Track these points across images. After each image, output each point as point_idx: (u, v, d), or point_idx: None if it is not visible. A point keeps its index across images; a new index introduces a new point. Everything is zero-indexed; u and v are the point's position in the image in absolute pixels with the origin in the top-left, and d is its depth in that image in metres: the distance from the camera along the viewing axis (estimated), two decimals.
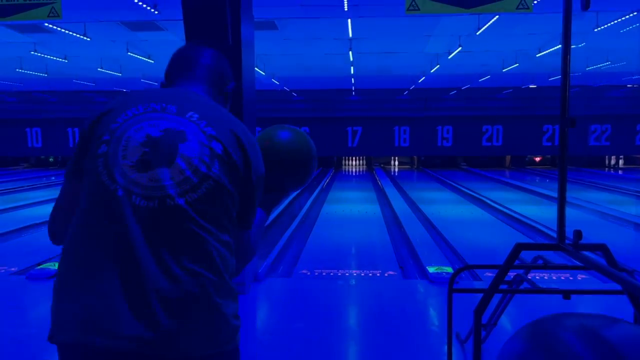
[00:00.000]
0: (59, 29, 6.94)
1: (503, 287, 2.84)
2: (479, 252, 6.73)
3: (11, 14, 4.97)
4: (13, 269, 5.80)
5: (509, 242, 2.32)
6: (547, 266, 2.68)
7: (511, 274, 2.77)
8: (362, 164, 21.74)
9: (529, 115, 18.11)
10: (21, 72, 12.59)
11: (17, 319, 4.08)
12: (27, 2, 4.88)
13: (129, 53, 9.44)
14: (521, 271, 2.87)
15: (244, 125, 1.37)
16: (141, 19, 6.12)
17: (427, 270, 5.56)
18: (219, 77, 1.51)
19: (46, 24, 6.45)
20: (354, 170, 20.93)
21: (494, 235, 8.14)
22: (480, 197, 11.77)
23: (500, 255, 2.24)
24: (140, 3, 5.45)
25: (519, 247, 2.26)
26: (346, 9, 5.73)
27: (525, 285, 2.87)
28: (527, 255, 2.57)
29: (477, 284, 5.00)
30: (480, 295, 2.34)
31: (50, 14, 4.75)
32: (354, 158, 21.76)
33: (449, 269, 5.58)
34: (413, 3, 4.37)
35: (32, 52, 9.79)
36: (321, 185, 14.86)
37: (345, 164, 21.66)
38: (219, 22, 4.25)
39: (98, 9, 5.51)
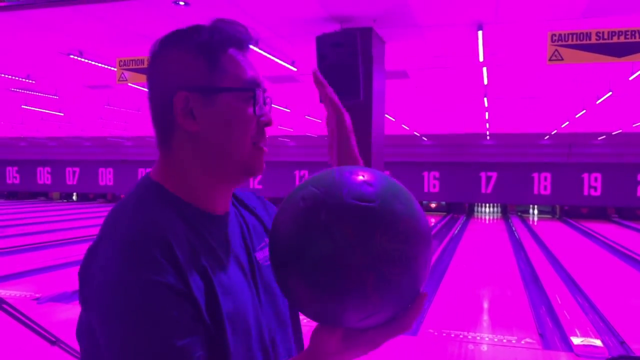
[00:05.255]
0: None
1: None
2: (633, 323, 5.90)
3: None
4: None
5: None
6: None
7: None
8: (497, 212, 20.59)
9: None
10: None
11: None
12: None
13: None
14: None
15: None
16: (282, 75, 6.51)
17: (572, 341, 4.99)
18: (159, 105, 0.91)
19: None
20: (487, 217, 19.89)
21: None
22: (636, 256, 10.46)
23: None
24: (281, 62, 5.81)
25: None
26: (481, 60, 5.56)
27: None
28: None
29: None
30: None
31: None
32: (487, 205, 20.71)
33: (598, 342, 4.97)
34: (556, 53, 4.09)
35: None
36: (451, 233, 14.31)
37: (477, 211, 20.68)
38: (352, 78, 4.34)
39: None
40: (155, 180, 0.92)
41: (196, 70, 0.88)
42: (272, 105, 1.01)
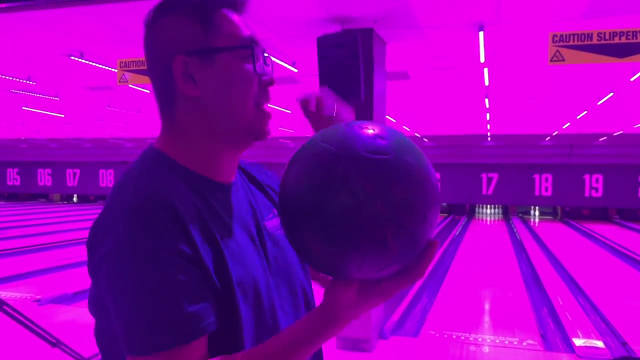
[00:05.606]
0: None
1: None
2: (635, 324, 5.88)
3: None
4: None
5: None
6: None
7: None
8: (498, 213, 20.55)
9: None
10: None
11: None
12: None
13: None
14: None
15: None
16: (282, 76, 6.50)
17: (573, 343, 4.98)
18: (153, 72, 0.92)
19: None
20: (488, 219, 19.86)
21: None
22: (637, 257, 10.44)
23: None
24: (282, 63, 5.80)
25: None
26: (482, 61, 5.54)
27: None
28: None
29: None
30: None
31: None
32: (488, 206, 20.68)
33: (600, 343, 4.95)
34: (557, 53, 4.08)
35: None
36: (452, 234, 14.29)
37: (479, 212, 20.65)
38: (352, 80, 4.33)
39: None
40: (159, 149, 0.91)
41: (191, 34, 0.87)
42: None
